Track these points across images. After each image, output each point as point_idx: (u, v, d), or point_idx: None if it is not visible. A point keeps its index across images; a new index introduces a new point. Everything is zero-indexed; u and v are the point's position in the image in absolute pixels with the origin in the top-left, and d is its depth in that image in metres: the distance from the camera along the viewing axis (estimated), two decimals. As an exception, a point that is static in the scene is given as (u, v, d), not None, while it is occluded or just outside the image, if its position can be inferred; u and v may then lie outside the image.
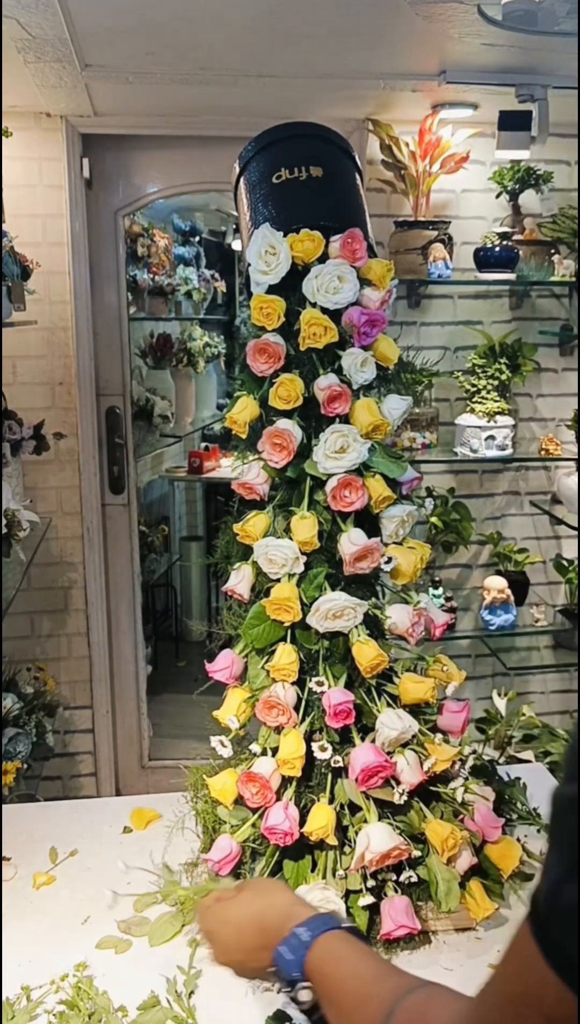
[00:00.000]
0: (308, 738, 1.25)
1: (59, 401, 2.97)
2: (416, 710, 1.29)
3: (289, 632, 1.29)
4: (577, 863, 0.45)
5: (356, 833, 1.22)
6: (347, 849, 1.25)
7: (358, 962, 0.73)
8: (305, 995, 0.76)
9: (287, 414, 1.30)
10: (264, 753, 1.28)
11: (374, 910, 1.22)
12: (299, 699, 1.27)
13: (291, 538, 1.27)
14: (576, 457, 3.07)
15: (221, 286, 5.08)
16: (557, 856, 0.47)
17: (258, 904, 0.86)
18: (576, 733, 0.47)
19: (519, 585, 3.12)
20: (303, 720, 1.26)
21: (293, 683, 1.27)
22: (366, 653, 1.23)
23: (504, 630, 3.10)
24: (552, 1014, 0.47)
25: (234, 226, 5.17)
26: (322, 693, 1.24)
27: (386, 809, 1.23)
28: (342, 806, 1.25)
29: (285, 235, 1.29)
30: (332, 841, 1.21)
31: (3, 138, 2.53)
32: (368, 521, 1.31)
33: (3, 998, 1.12)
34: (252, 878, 0.94)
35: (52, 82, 2.42)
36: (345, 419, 1.29)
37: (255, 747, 1.29)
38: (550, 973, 0.47)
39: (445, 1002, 0.62)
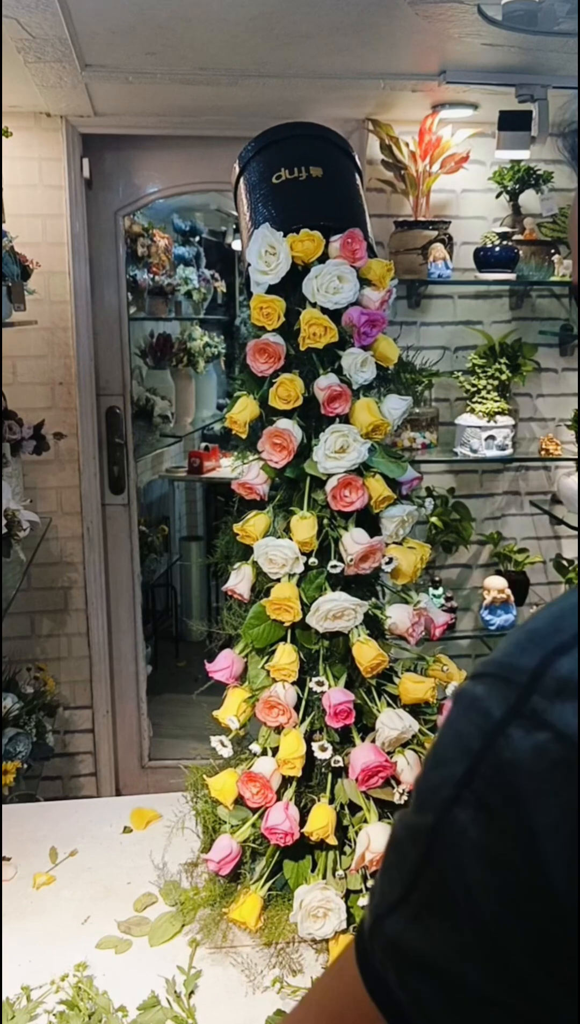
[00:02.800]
0: (308, 738, 1.25)
1: (59, 401, 2.96)
2: (416, 710, 1.29)
3: (289, 632, 1.29)
4: (404, 898, 0.43)
5: (356, 833, 1.22)
6: (347, 849, 1.25)
7: None
8: None
9: (287, 414, 1.30)
10: (264, 753, 1.28)
11: (374, 910, 1.21)
12: (299, 699, 1.27)
13: (291, 538, 1.27)
14: (576, 457, 3.07)
15: (221, 286, 5.08)
16: (387, 884, 0.45)
17: None
18: (428, 759, 0.44)
19: (519, 585, 3.12)
20: (303, 720, 1.26)
21: (293, 683, 1.27)
22: (366, 653, 1.23)
23: (504, 630, 3.10)
24: None
25: (234, 226, 5.17)
26: (322, 693, 1.24)
27: (386, 809, 1.23)
28: (342, 806, 1.25)
29: (285, 235, 1.29)
30: (332, 841, 1.21)
31: (3, 138, 2.53)
32: (368, 521, 1.31)
33: (3, 998, 1.12)
34: None
35: (52, 82, 2.42)
36: (345, 419, 1.29)
37: (255, 747, 1.29)
38: (365, 996, 0.45)
39: None
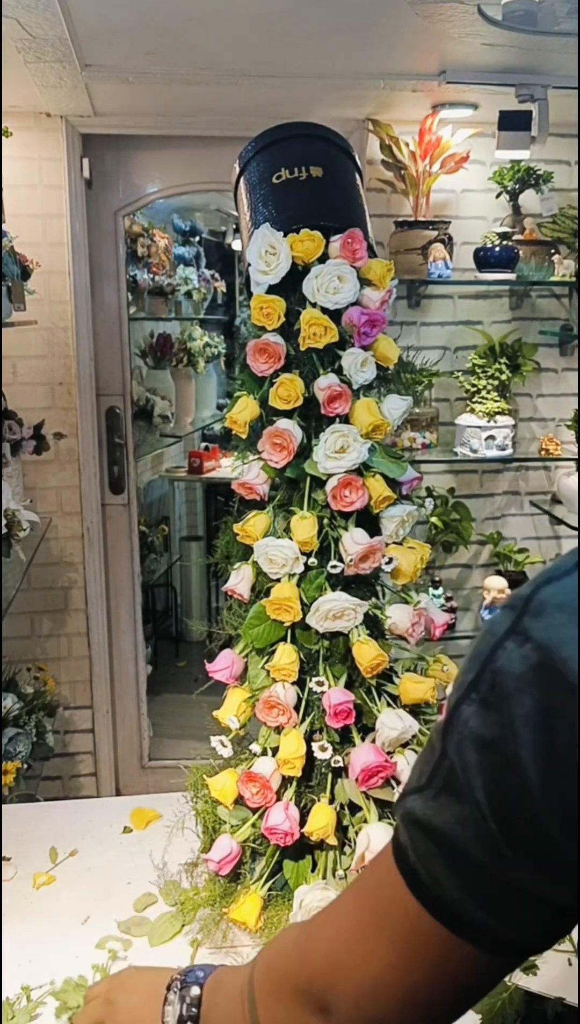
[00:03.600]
0: (308, 738, 1.25)
1: (59, 401, 2.97)
2: (416, 710, 1.29)
3: (289, 632, 1.28)
4: (427, 784, 0.53)
5: (356, 833, 1.22)
6: (347, 849, 1.25)
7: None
8: None
9: (287, 414, 1.29)
10: (264, 753, 1.28)
11: (374, 910, 1.21)
12: (299, 699, 1.27)
13: (291, 538, 1.27)
14: (576, 457, 3.07)
15: (221, 286, 5.08)
16: (415, 772, 0.55)
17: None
18: (471, 653, 0.52)
19: (519, 585, 3.12)
20: (303, 720, 1.26)
21: (293, 683, 1.27)
22: (366, 653, 1.23)
23: (504, 630, 3.09)
24: (390, 908, 0.56)
25: (234, 226, 5.17)
26: (322, 693, 1.24)
27: (386, 809, 1.23)
28: (342, 806, 1.25)
29: (285, 235, 1.29)
30: (332, 841, 1.21)
31: (3, 138, 2.53)
32: (368, 521, 1.31)
33: (3, 998, 1.12)
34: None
35: (52, 82, 2.42)
36: (345, 419, 1.29)
37: (255, 747, 1.29)
38: (395, 869, 0.55)
39: (286, 931, 0.69)
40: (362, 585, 1.31)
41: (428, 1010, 0.57)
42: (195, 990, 0.74)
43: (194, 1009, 0.73)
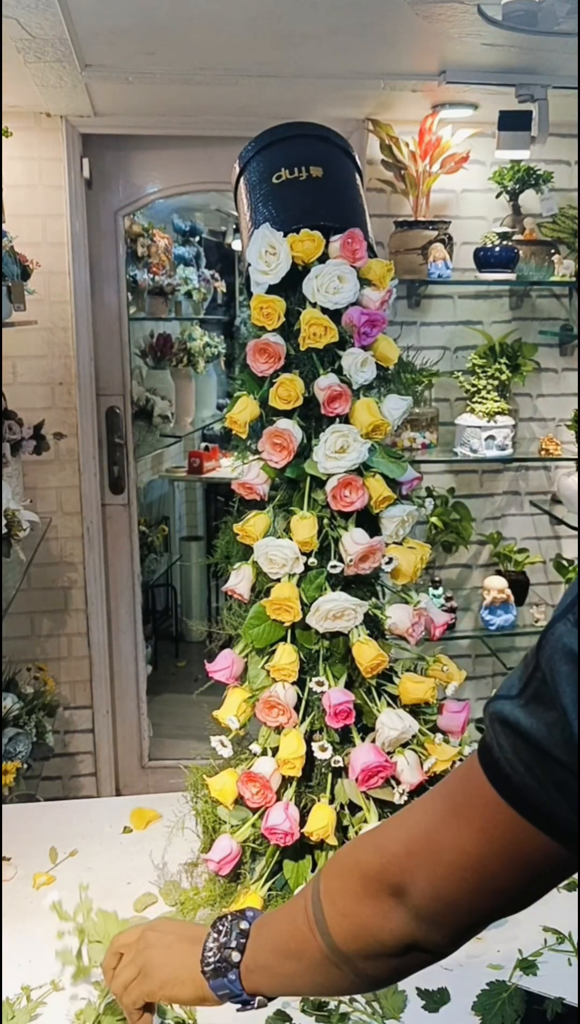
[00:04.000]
0: (308, 738, 1.25)
1: (59, 401, 2.96)
2: (416, 710, 1.29)
3: (289, 632, 1.29)
4: (519, 692, 0.58)
5: (356, 833, 1.22)
6: (347, 849, 1.25)
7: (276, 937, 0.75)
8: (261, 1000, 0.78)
9: (287, 414, 1.30)
10: (264, 753, 1.28)
11: (374, 910, 1.21)
12: (299, 699, 1.27)
13: (291, 538, 1.27)
14: (576, 457, 3.07)
15: (221, 286, 5.08)
16: (509, 681, 0.60)
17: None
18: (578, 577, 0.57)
19: (519, 585, 3.12)
20: (303, 720, 1.26)
21: (293, 683, 1.27)
22: (366, 653, 1.23)
23: (504, 630, 3.10)
24: (470, 800, 0.61)
25: (234, 226, 5.17)
26: (322, 693, 1.24)
27: (386, 809, 1.23)
28: (342, 806, 1.25)
29: (285, 235, 1.29)
30: (332, 841, 1.21)
31: (3, 138, 2.53)
32: (368, 521, 1.31)
33: (3, 998, 1.12)
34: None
35: (52, 82, 2.42)
36: (345, 419, 1.29)
37: (255, 747, 1.29)
38: (477, 766, 0.60)
39: (369, 832, 0.72)
40: (362, 585, 1.31)
41: (500, 894, 0.61)
42: (244, 924, 0.76)
43: (243, 940, 0.75)
